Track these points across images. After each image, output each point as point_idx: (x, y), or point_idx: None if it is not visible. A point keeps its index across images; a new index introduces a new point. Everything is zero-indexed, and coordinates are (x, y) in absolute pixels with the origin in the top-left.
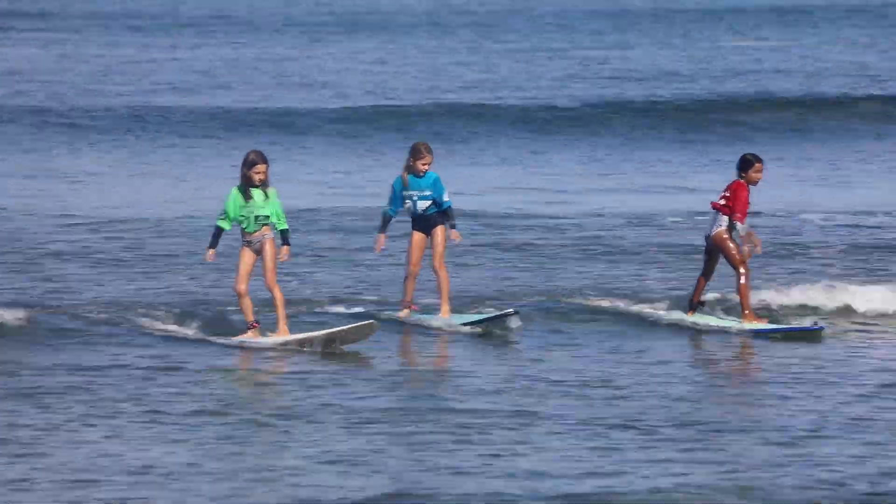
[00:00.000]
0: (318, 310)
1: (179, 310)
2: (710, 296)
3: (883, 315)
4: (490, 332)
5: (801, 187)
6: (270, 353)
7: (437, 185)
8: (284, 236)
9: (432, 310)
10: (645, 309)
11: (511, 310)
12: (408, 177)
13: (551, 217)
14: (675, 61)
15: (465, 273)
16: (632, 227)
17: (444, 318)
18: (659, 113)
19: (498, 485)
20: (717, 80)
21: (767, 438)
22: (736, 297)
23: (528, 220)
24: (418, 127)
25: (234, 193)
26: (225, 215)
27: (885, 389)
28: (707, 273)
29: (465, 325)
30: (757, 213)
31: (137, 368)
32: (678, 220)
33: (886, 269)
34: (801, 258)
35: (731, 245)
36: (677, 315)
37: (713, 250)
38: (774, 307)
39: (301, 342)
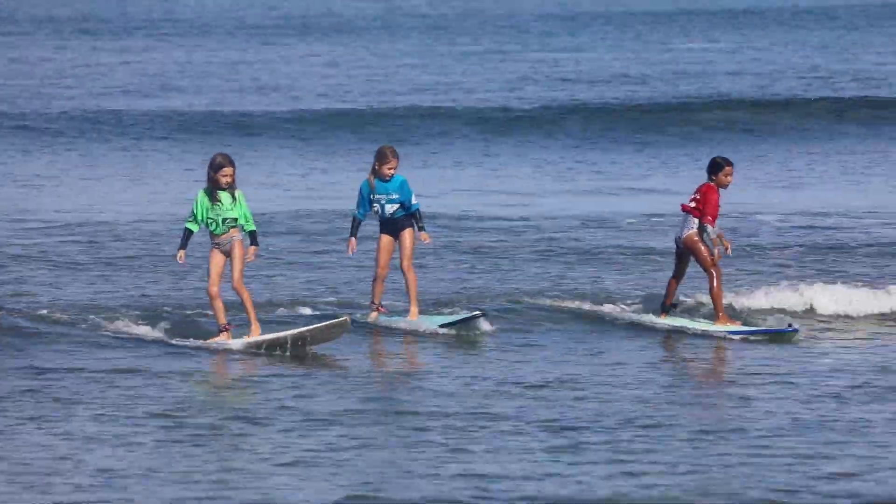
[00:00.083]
0: (282, 312)
1: (139, 312)
2: (682, 298)
3: (846, 316)
4: (459, 334)
5: (755, 188)
6: (233, 356)
7: (404, 189)
8: (253, 237)
9: (401, 312)
10: (615, 311)
11: (478, 311)
12: (374, 181)
13: (506, 219)
14: (628, 64)
15: (424, 275)
16: (587, 228)
17: (412, 319)
18: (612, 115)
19: (453, 487)
20: (669, 82)
21: (728, 440)
22: (708, 300)
23: (483, 222)
24: (371, 130)
25: (201, 196)
26: (193, 217)
27: (847, 390)
28: (678, 275)
29: (434, 327)
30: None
31: (96, 371)
32: (633, 222)
33: (844, 270)
34: (759, 259)
35: (703, 248)
36: (649, 318)
37: (684, 253)
38: (740, 309)
39: (274, 342)
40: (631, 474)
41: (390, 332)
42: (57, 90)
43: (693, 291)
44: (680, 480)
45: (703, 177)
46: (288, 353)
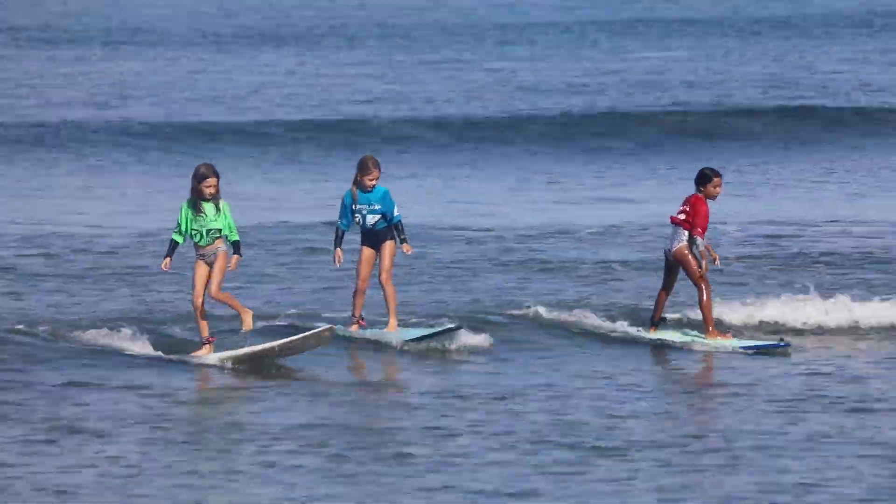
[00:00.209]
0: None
1: (103, 325)
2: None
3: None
4: (437, 347)
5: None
6: (201, 369)
7: (386, 200)
8: (236, 247)
9: (382, 324)
10: (605, 323)
11: (453, 325)
12: (356, 191)
13: (467, 229)
14: (585, 73)
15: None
16: (547, 239)
17: (391, 332)
18: (569, 125)
19: (411, 501)
20: (626, 91)
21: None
22: (698, 313)
23: (442, 232)
24: (330, 139)
25: (185, 207)
26: (178, 228)
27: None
28: (667, 288)
29: (410, 340)
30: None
31: (53, 385)
32: (592, 232)
33: (796, 282)
34: (725, 271)
35: (692, 261)
36: (638, 332)
37: (673, 265)
38: (728, 322)
39: (261, 353)
40: (595, 488)
41: (369, 344)
42: (13, 101)
43: (680, 306)
44: (649, 497)
45: (660, 186)
46: (276, 361)
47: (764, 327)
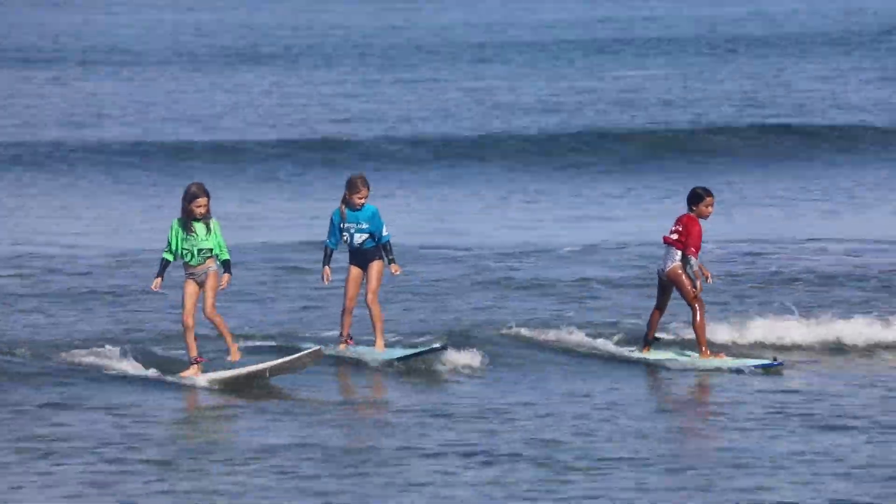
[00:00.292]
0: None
1: (83, 345)
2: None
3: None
4: (421, 366)
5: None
6: (186, 389)
7: (375, 219)
8: (226, 265)
9: (369, 344)
10: (596, 343)
11: (438, 344)
12: (345, 210)
13: (444, 248)
14: (561, 91)
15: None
16: (525, 258)
17: (378, 351)
18: (546, 143)
19: None
20: (602, 110)
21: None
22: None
23: (420, 251)
24: (307, 158)
25: (176, 227)
26: (169, 247)
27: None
28: (661, 308)
29: (397, 360)
30: (650, 244)
31: (31, 406)
32: (572, 251)
33: (775, 301)
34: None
35: (686, 281)
36: (631, 352)
37: (667, 285)
38: (723, 342)
39: (251, 375)
40: None
41: (354, 363)
42: None
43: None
44: None
45: (637, 204)
46: (266, 382)
47: (749, 347)
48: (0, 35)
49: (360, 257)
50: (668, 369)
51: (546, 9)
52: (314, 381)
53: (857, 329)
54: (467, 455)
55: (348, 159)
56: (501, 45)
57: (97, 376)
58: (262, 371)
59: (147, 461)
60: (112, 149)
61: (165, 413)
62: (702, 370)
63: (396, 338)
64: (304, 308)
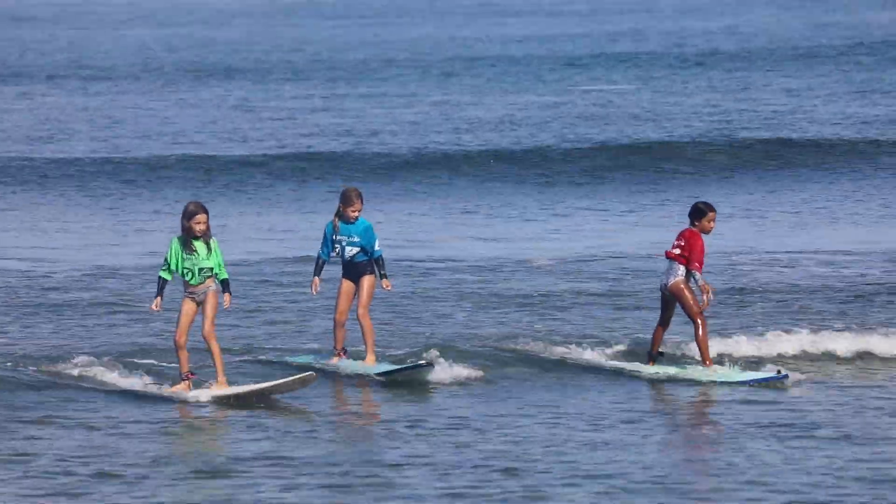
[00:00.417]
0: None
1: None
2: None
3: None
4: (417, 380)
5: (656, 231)
6: (158, 402)
7: (368, 234)
8: (225, 285)
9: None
10: (597, 358)
11: (424, 361)
12: (338, 222)
13: (414, 260)
14: (530, 106)
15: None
16: (495, 272)
17: (368, 366)
18: (516, 157)
19: None
20: (570, 124)
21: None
22: (694, 348)
23: (392, 264)
24: (277, 172)
25: (175, 246)
26: (167, 265)
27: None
28: (664, 323)
29: (382, 374)
30: (621, 255)
31: (9, 421)
32: (543, 264)
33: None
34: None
35: (689, 295)
36: (635, 366)
37: (669, 300)
38: (721, 355)
39: (240, 396)
40: None
41: (348, 377)
42: None
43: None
44: None
45: (607, 218)
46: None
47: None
48: None
49: (352, 271)
50: (672, 383)
51: (514, 24)
52: (303, 393)
53: (833, 340)
54: (437, 467)
55: (318, 172)
56: (470, 59)
57: (70, 388)
58: (255, 392)
59: (117, 475)
60: (82, 163)
61: (141, 426)
62: (705, 383)
63: (378, 349)
64: (273, 322)
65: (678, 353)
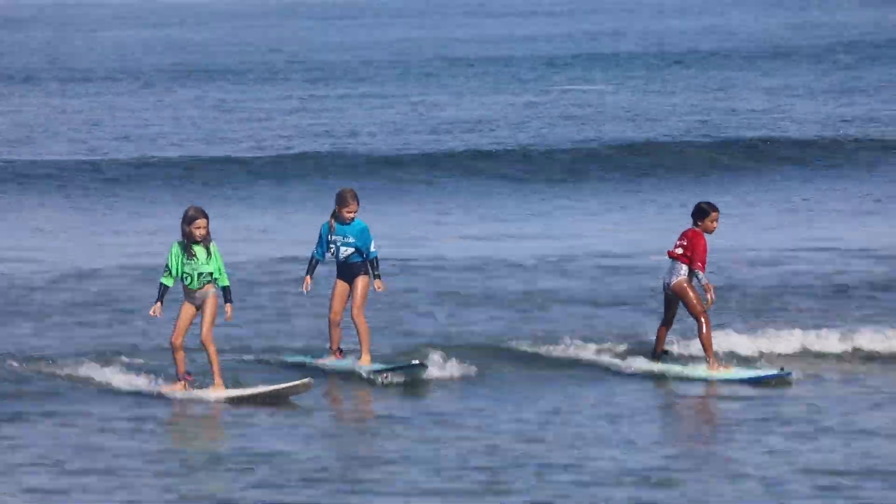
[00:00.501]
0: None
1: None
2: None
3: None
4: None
5: (636, 230)
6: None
7: (363, 235)
8: (227, 293)
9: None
10: (603, 357)
11: (417, 361)
12: (334, 223)
13: (393, 259)
14: (508, 106)
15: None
16: (476, 270)
17: (363, 365)
18: (493, 157)
19: None
20: (549, 124)
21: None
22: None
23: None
24: (255, 174)
25: (176, 250)
26: (168, 271)
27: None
28: (667, 322)
29: (374, 371)
30: (606, 255)
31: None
32: (519, 264)
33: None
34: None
35: (692, 294)
36: (639, 363)
37: (672, 299)
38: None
39: (236, 399)
40: None
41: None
42: None
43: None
44: None
45: (584, 218)
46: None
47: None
48: None
49: (347, 271)
50: (676, 381)
51: (493, 25)
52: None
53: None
54: (417, 462)
55: (299, 176)
56: (449, 60)
57: (52, 385)
58: (253, 396)
59: (99, 471)
60: (62, 164)
61: (123, 423)
62: (710, 381)
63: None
64: (259, 322)
65: (685, 353)
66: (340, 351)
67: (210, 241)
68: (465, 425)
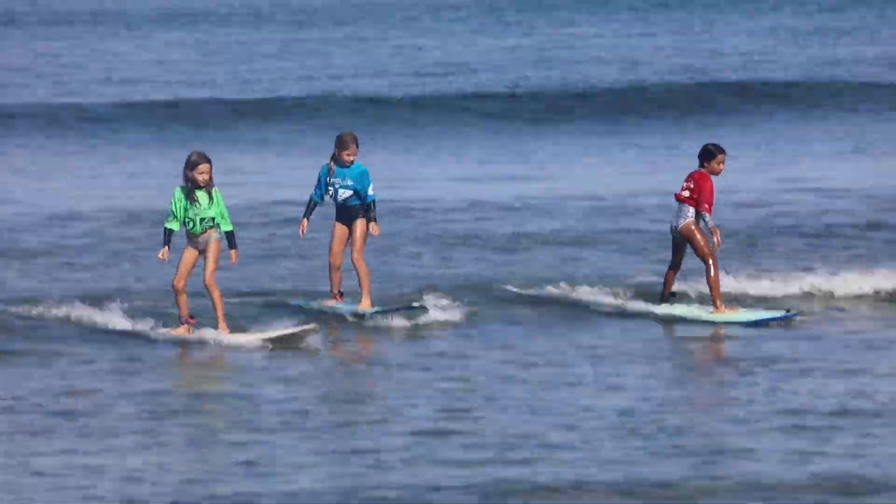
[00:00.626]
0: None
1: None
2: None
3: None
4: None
5: (621, 173)
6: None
7: (363, 178)
8: (231, 238)
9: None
10: (608, 298)
11: (417, 303)
12: (333, 165)
13: (387, 201)
14: (493, 50)
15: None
16: (464, 212)
17: (363, 309)
18: (478, 100)
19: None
20: (534, 67)
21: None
22: (706, 289)
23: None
24: (240, 118)
25: (178, 195)
26: (173, 216)
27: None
28: (675, 265)
29: (375, 313)
30: (600, 198)
31: None
32: (504, 206)
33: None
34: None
35: (700, 237)
36: (645, 306)
37: (680, 242)
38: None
39: (243, 345)
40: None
41: (339, 320)
42: None
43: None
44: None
45: (569, 161)
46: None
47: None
48: None
49: (345, 214)
50: (683, 323)
51: None
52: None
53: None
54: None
55: (287, 121)
56: (433, 3)
57: (40, 327)
58: (255, 342)
59: (81, 412)
60: (44, 107)
61: (107, 365)
62: (716, 324)
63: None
64: (250, 264)
65: (692, 294)
66: (341, 294)
67: (212, 186)
68: (451, 367)
